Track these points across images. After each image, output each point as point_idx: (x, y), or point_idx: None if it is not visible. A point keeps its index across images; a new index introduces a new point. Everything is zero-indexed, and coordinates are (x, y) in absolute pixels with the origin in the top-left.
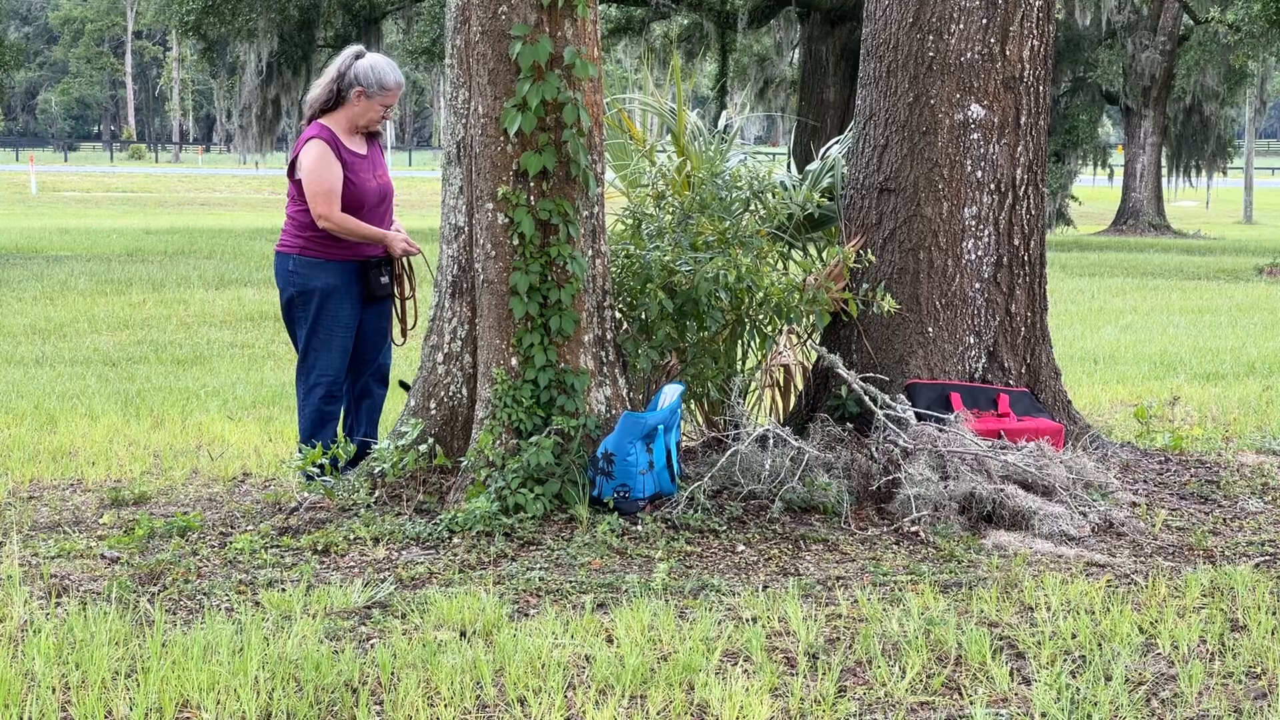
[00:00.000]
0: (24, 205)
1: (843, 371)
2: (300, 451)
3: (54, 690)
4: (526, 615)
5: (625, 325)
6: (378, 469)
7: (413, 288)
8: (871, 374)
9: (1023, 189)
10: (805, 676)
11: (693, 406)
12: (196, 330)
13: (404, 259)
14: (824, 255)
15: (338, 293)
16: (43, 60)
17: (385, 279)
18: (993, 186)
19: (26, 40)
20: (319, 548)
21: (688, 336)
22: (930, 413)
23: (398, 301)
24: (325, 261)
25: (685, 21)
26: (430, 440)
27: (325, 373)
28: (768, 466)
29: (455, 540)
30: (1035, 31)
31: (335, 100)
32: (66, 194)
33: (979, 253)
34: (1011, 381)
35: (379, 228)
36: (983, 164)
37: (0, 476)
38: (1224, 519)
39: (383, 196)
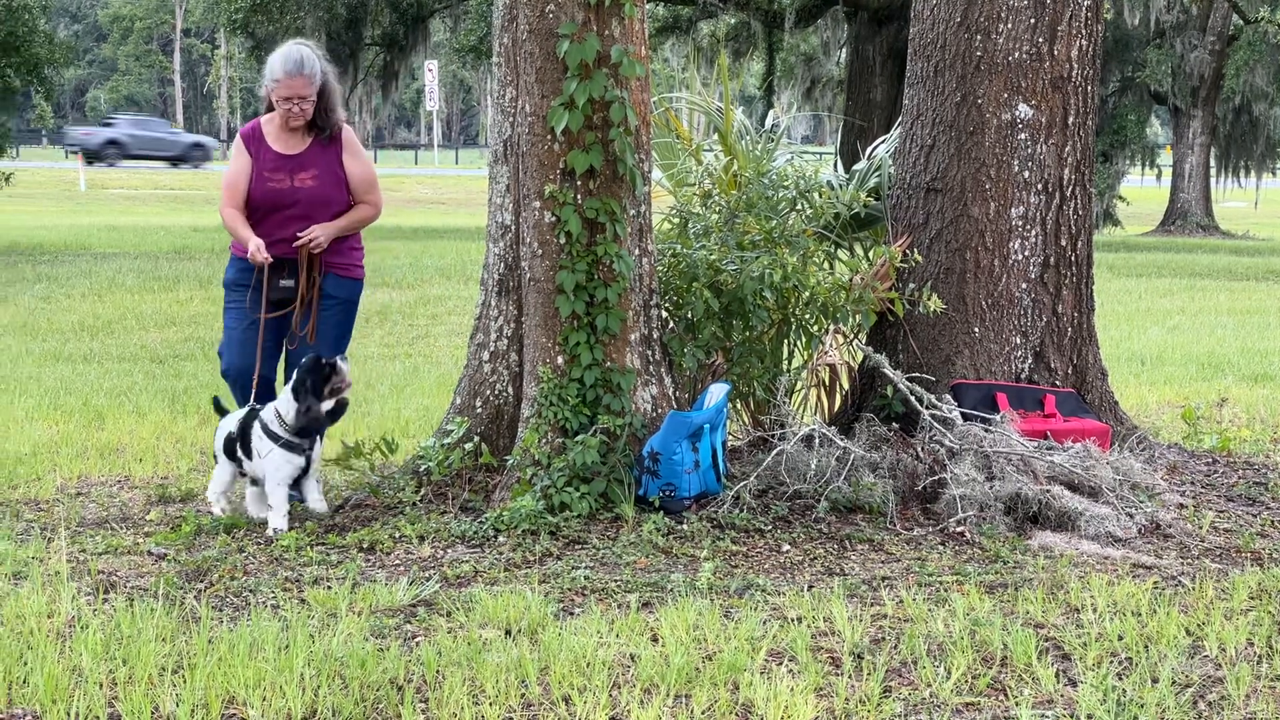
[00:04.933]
0: (73, 202)
1: (889, 371)
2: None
3: (101, 686)
4: (572, 614)
5: (671, 324)
6: (423, 467)
7: (309, 296)
8: (917, 374)
9: (1070, 189)
10: (850, 676)
11: (738, 406)
12: None
13: (309, 261)
14: (870, 255)
15: (236, 287)
16: (92, 58)
17: (288, 282)
18: (1040, 186)
19: (76, 38)
20: (364, 545)
21: (734, 336)
22: (976, 413)
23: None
24: (233, 256)
25: (732, 21)
26: (476, 439)
27: (228, 366)
28: (813, 466)
29: (501, 539)
30: (1083, 31)
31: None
32: (115, 191)
33: (1026, 253)
34: (1058, 382)
35: (283, 230)
36: (1030, 164)
37: (49, 473)
38: (1272, 521)
39: (295, 200)
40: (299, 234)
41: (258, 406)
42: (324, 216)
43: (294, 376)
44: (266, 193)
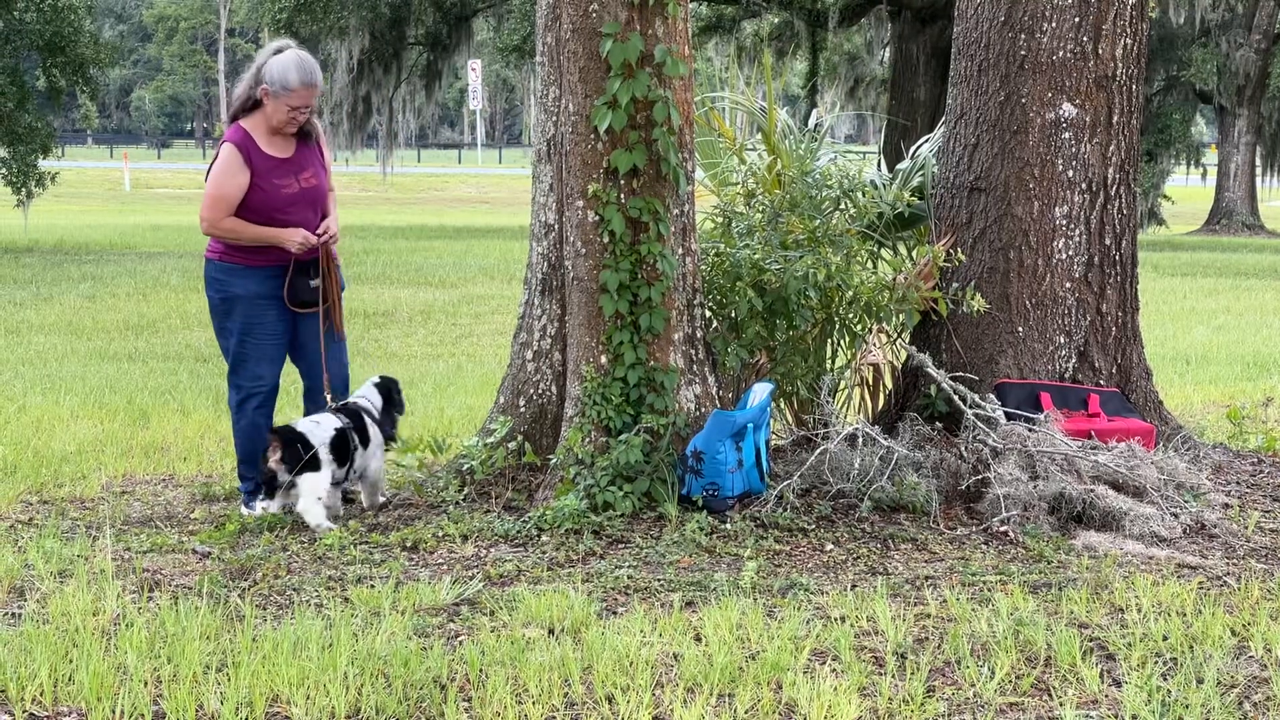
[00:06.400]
0: (118, 202)
1: (932, 371)
2: (243, 478)
3: (146, 683)
4: (615, 613)
5: (715, 323)
6: (466, 466)
7: (337, 292)
8: (961, 373)
9: (1114, 188)
10: (893, 676)
11: (782, 405)
12: None
13: (329, 259)
14: (914, 254)
15: (261, 299)
16: (137, 58)
17: (314, 283)
18: (1084, 186)
19: (121, 38)
20: (408, 544)
21: (777, 335)
22: (1020, 412)
23: (334, 304)
24: (245, 267)
25: (776, 20)
26: (519, 438)
27: (258, 383)
28: (857, 465)
29: (544, 538)
30: (1128, 30)
31: (257, 101)
32: (159, 191)
33: (1070, 252)
34: (1102, 381)
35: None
36: (1074, 163)
37: (94, 471)
38: None
39: (305, 201)
40: (319, 232)
41: (329, 407)
42: (320, 213)
43: (383, 388)
44: (280, 199)
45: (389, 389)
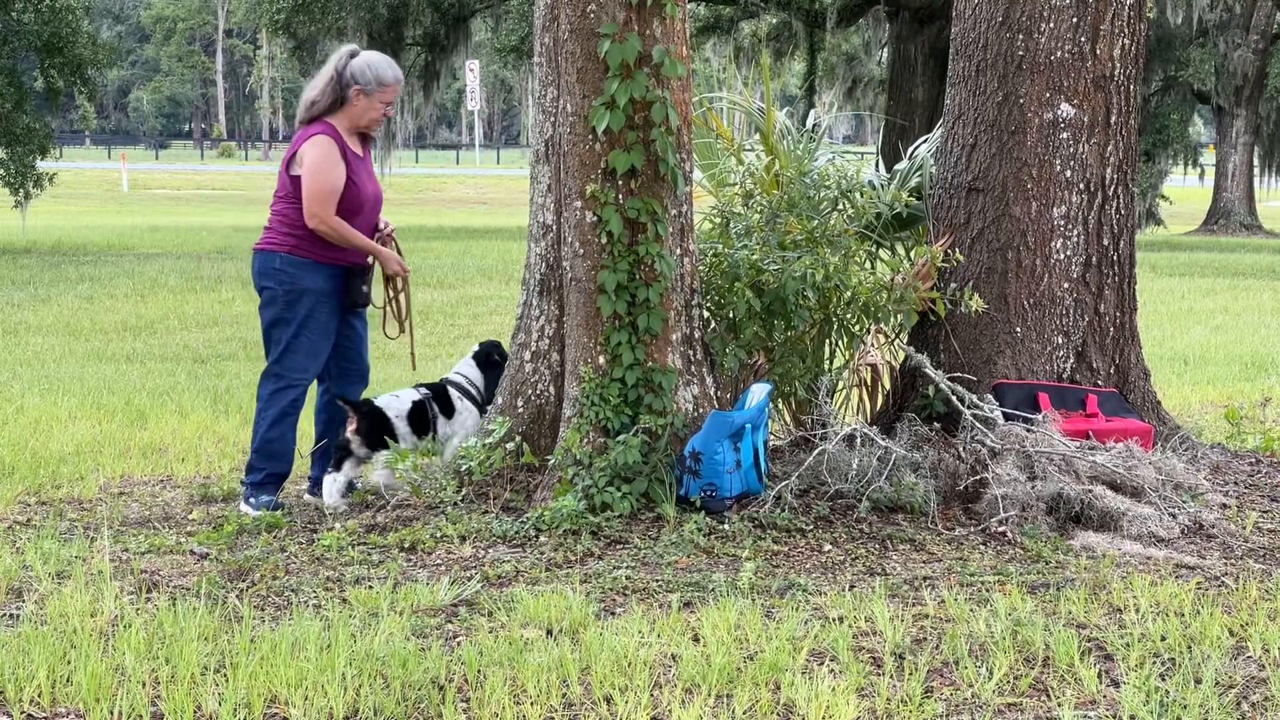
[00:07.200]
0: (116, 203)
1: (930, 371)
2: (251, 470)
3: (144, 684)
4: (613, 614)
5: (713, 324)
6: (464, 466)
7: (405, 283)
8: (959, 374)
9: (1112, 188)
10: (891, 677)
11: (780, 405)
12: None
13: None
14: (912, 255)
15: (325, 296)
16: (134, 59)
17: (366, 288)
18: (1082, 186)
19: (119, 39)
20: (406, 545)
21: (775, 335)
22: (1018, 413)
23: (391, 299)
24: (315, 263)
25: (774, 20)
26: (517, 438)
27: (302, 377)
28: (855, 466)
29: (542, 538)
30: (1126, 30)
31: (339, 101)
32: (157, 191)
33: (1068, 252)
34: (1100, 382)
35: (368, 234)
36: (1072, 163)
37: (92, 472)
38: None
39: (378, 201)
40: (381, 228)
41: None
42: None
43: (481, 350)
44: (364, 197)
45: (488, 355)
